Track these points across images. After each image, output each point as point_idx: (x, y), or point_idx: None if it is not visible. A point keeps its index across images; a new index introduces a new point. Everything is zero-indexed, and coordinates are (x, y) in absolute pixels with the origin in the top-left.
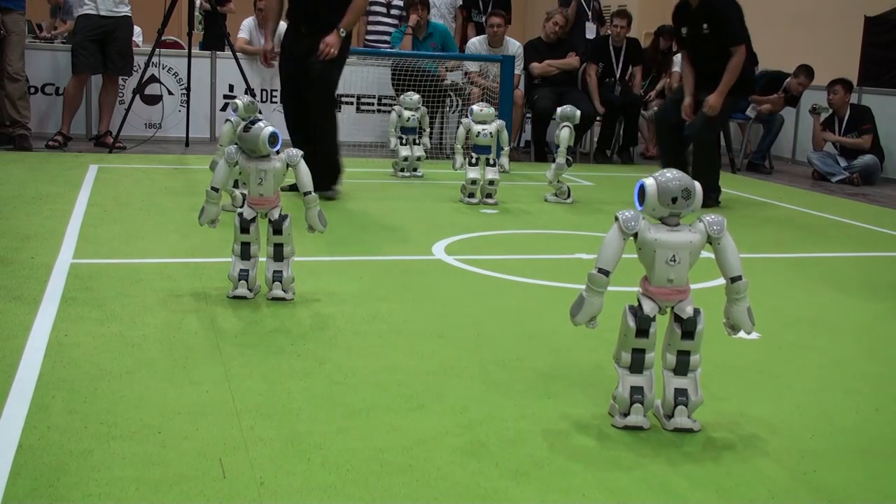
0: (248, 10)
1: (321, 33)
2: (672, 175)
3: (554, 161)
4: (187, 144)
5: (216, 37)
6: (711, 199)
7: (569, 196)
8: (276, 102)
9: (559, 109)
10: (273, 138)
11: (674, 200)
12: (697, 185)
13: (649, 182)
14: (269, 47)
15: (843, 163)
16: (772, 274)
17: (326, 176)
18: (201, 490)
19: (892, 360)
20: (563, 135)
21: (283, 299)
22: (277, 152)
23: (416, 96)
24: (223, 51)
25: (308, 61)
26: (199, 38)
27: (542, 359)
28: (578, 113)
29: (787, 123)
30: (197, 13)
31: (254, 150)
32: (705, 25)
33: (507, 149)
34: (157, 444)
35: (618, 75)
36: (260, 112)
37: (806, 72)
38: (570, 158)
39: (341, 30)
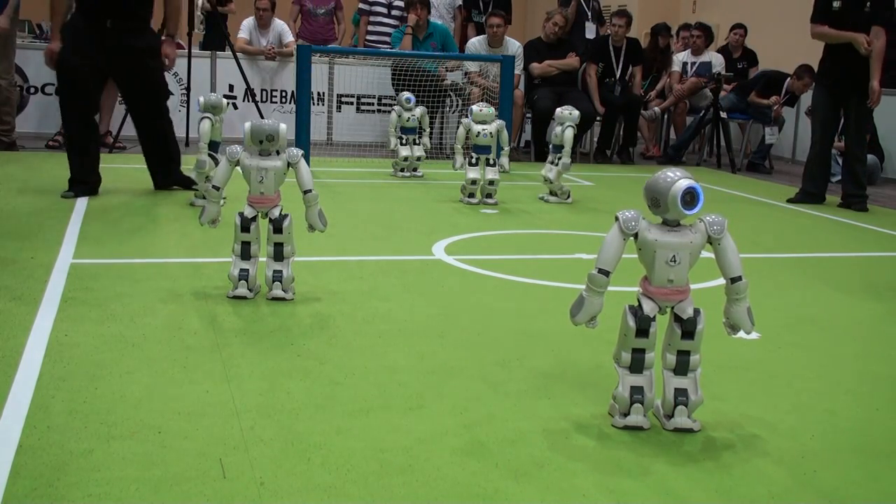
0: (248, 10)
1: (132, 29)
2: (672, 175)
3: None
4: (187, 144)
5: (216, 37)
6: (862, 200)
7: (567, 196)
8: (276, 102)
9: (558, 111)
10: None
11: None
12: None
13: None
14: (58, 47)
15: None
16: (772, 274)
17: (181, 173)
18: (201, 490)
19: (892, 360)
20: (567, 135)
21: (283, 299)
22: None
23: (412, 100)
24: (223, 51)
25: (133, 63)
26: (199, 39)
27: (542, 359)
28: (577, 113)
29: (787, 123)
30: (198, 13)
31: (262, 141)
32: (868, 3)
33: (507, 149)
34: (157, 444)
35: (618, 75)
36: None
37: (809, 72)
38: (559, 157)
39: (176, 37)
